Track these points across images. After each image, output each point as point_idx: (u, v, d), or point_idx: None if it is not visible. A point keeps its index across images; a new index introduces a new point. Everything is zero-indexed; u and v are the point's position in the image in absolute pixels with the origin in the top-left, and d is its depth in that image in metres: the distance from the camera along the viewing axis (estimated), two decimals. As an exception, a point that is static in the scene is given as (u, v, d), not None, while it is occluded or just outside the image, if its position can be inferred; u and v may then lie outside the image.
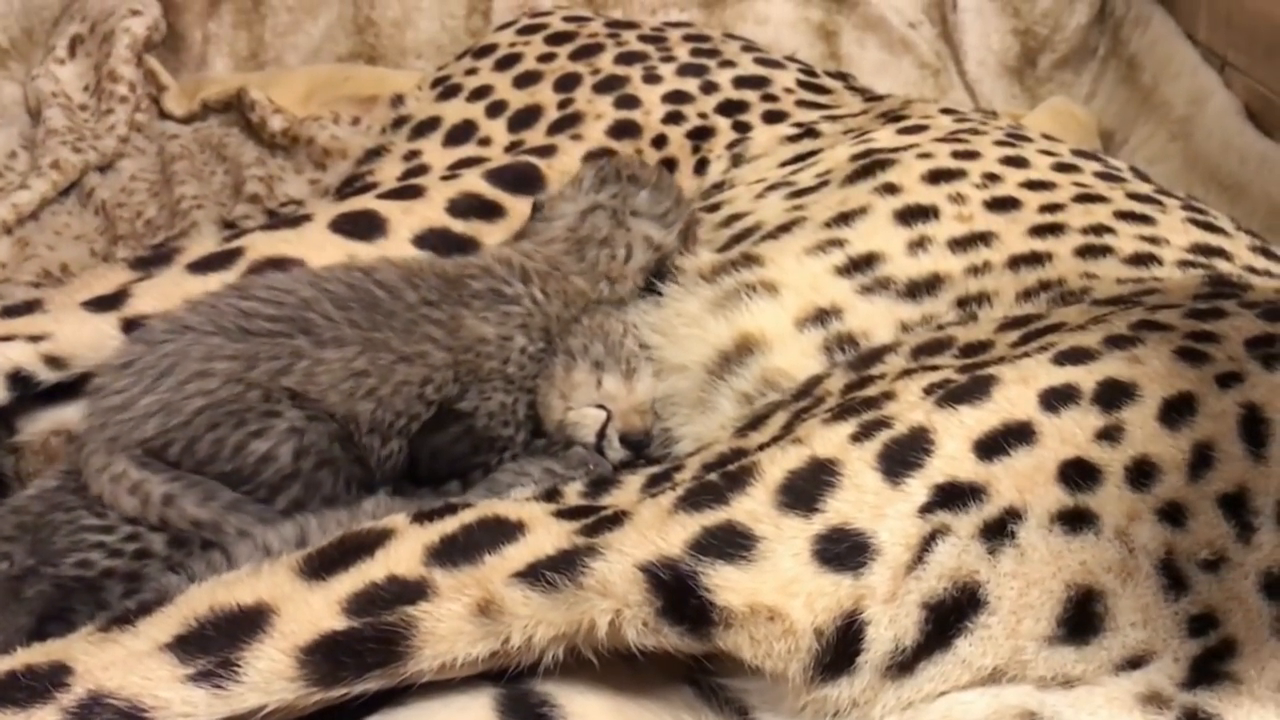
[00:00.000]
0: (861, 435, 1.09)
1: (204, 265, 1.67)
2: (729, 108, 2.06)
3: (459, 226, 1.79)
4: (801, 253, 1.56)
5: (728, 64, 2.14)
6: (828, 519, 1.03)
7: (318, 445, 1.39)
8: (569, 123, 2.03)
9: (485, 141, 2.05)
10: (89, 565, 1.30)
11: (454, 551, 1.07)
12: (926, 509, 1.02)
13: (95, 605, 1.25)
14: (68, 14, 2.80)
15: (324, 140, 2.55)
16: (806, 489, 1.05)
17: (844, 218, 1.60)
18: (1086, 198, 1.59)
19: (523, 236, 1.76)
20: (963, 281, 1.46)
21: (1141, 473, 1.02)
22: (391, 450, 1.47)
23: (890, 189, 1.64)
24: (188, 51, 2.91)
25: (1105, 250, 1.46)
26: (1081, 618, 0.98)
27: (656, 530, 1.04)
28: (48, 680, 0.99)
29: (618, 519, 1.09)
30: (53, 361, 1.58)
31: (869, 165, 1.72)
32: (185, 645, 1.01)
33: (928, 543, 1.01)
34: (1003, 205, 1.57)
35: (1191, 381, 1.07)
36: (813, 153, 1.88)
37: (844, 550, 1.01)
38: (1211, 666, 0.96)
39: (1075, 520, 1.00)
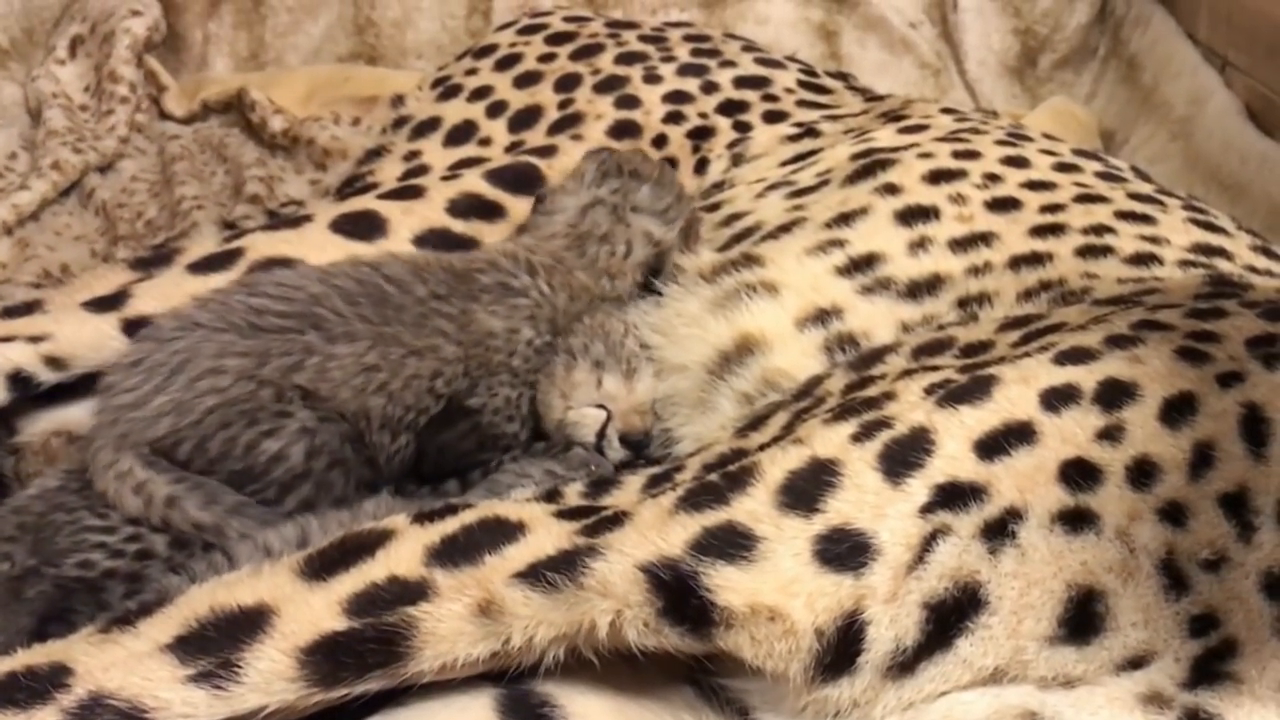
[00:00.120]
0: (862, 435, 1.09)
1: (204, 265, 1.67)
2: (729, 107, 2.05)
3: (459, 227, 1.79)
4: (802, 253, 1.56)
5: (728, 64, 2.14)
6: (828, 519, 1.03)
7: (329, 445, 1.39)
8: (569, 123, 2.03)
9: (485, 142, 2.05)
10: (90, 566, 1.30)
11: (454, 552, 1.07)
12: (927, 509, 1.02)
13: (96, 606, 1.25)
14: (68, 14, 2.80)
15: (324, 140, 2.55)
16: (807, 489, 1.05)
17: (844, 218, 1.60)
18: (1087, 198, 1.59)
19: (524, 230, 1.76)
20: (963, 282, 1.46)
21: (1142, 472, 1.02)
22: (400, 446, 1.47)
23: (891, 189, 1.64)
24: (188, 52, 2.91)
25: (1106, 250, 1.46)
26: (1082, 618, 0.98)
27: (657, 530, 1.04)
28: (48, 681, 0.98)
29: (618, 519, 1.09)
30: (53, 362, 1.58)
31: (869, 165, 1.72)
32: (186, 646, 1.01)
33: (928, 543, 1.01)
34: (1003, 205, 1.57)
35: (1192, 381, 1.07)
36: (813, 152, 1.88)
37: (845, 550, 1.01)
38: (1212, 666, 0.96)
39: (1076, 520, 1.00)
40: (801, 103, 2.09)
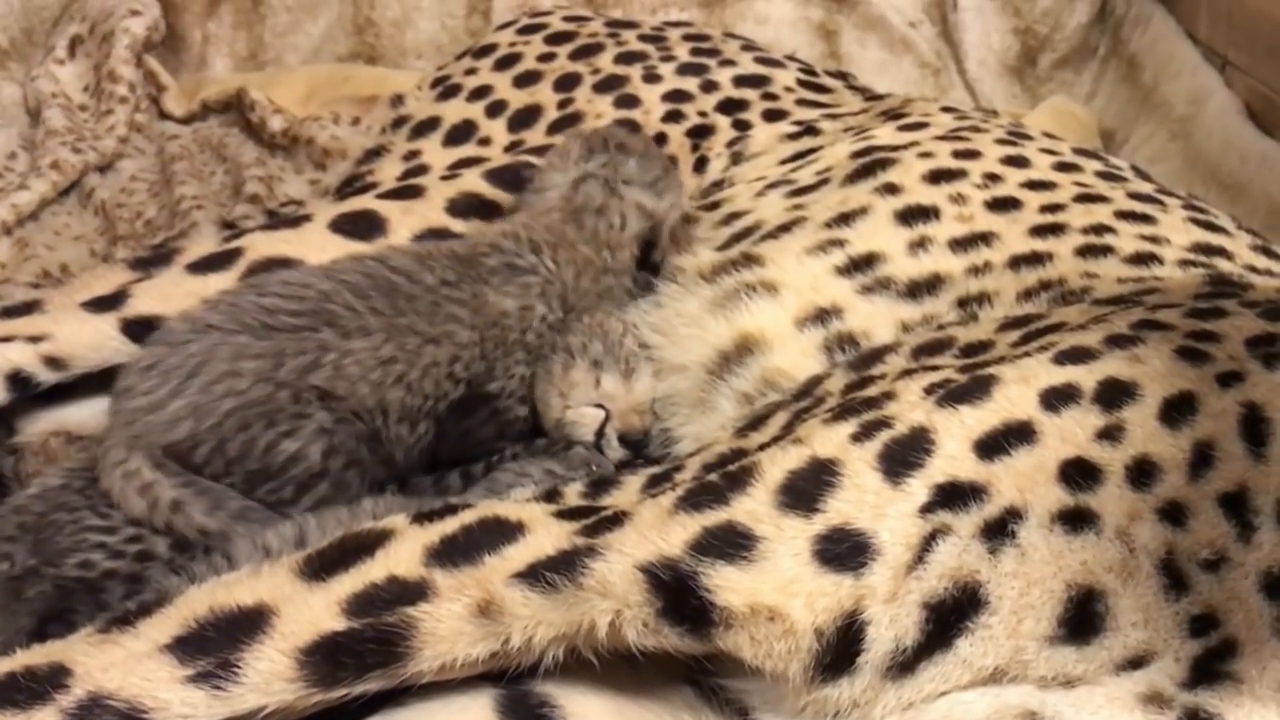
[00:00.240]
0: (862, 435, 1.09)
1: (204, 265, 1.67)
2: (729, 106, 2.05)
3: (459, 226, 1.79)
4: (802, 252, 1.56)
5: (728, 63, 2.13)
6: (828, 519, 1.03)
7: (346, 445, 1.40)
8: (569, 122, 2.03)
9: (485, 141, 2.05)
10: (91, 566, 1.30)
11: (454, 552, 1.07)
12: (927, 509, 1.02)
13: (96, 606, 1.25)
14: (67, 14, 2.80)
15: (324, 140, 2.55)
16: (807, 489, 1.05)
17: (844, 218, 1.60)
18: (1087, 197, 1.59)
19: (516, 211, 1.77)
20: (963, 281, 1.46)
21: (1142, 472, 1.02)
22: (420, 435, 1.48)
23: (891, 189, 1.63)
24: (187, 52, 2.91)
25: (1106, 250, 1.46)
26: (1082, 618, 0.98)
27: (657, 530, 1.04)
28: (47, 682, 0.98)
29: (618, 519, 1.08)
30: (52, 362, 1.58)
31: (870, 164, 1.71)
32: (185, 646, 1.01)
33: (928, 542, 1.01)
34: (1003, 205, 1.57)
35: (1192, 381, 1.07)
36: (813, 150, 1.88)
37: (844, 550, 1.01)
38: (1212, 666, 0.96)
39: (1076, 520, 1.00)
40: (801, 101, 2.08)
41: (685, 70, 2.10)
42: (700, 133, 2.02)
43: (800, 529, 1.02)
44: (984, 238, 1.51)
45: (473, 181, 1.86)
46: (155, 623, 1.03)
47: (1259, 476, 1.00)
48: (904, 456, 1.05)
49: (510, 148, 2.02)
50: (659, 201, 1.72)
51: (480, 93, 2.13)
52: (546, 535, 1.08)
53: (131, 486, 1.31)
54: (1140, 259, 1.44)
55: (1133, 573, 0.98)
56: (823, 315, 1.47)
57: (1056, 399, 1.07)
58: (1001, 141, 1.75)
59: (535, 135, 2.02)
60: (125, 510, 1.32)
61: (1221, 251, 1.48)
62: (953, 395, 1.10)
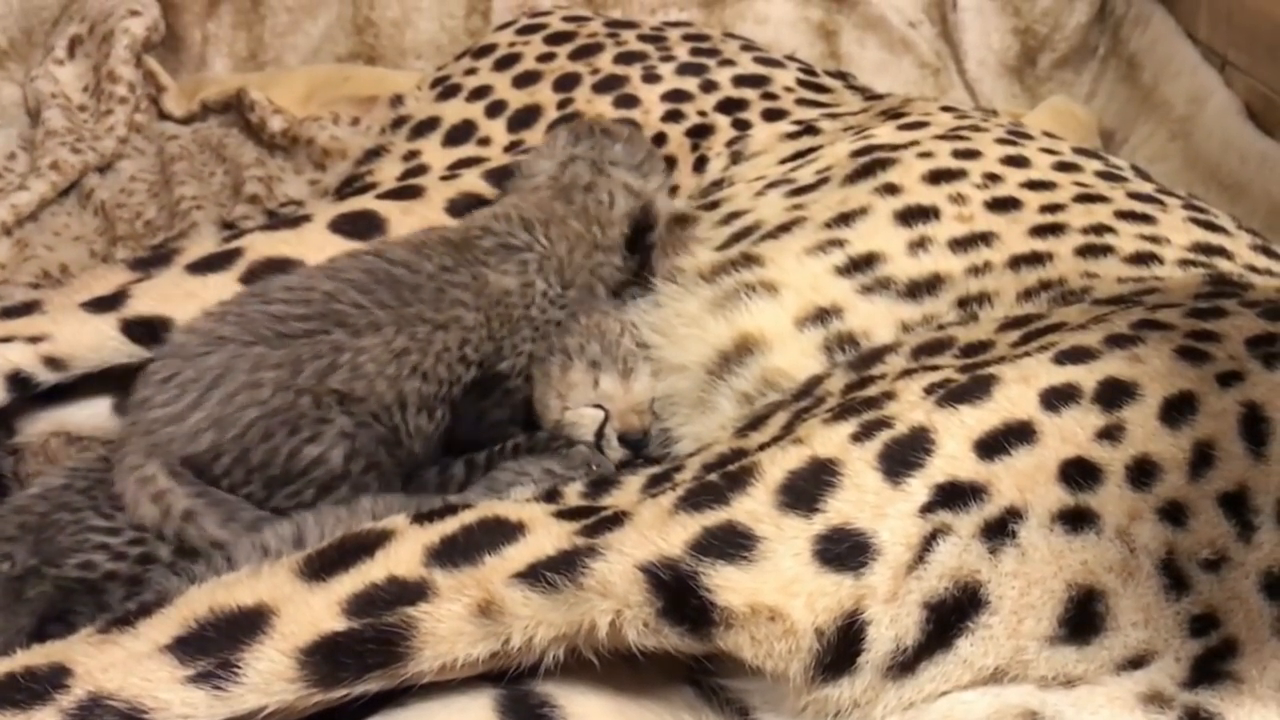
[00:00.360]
0: (862, 435, 1.09)
1: (203, 266, 1.67)
2: (728, 105, 2.05)
3: (458, 227, 1.79)
4: (801, 252, 1.56)
5: (727, 63, 2.13)
6: (828, 519, 1.03)
7: (366, 449, 1.41)
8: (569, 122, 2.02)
9: (485, 141, 2.05)
10: (92, 567, 1.30)
11: (454, 552, 1.07)
12: (927, 509, 1.02)
13: (96, 607, 1.25)
14: (67, 14, 2.79)
15: (323, 140, 2.55)
16: (807, 489, 1.05)
17: (844, 218, 1.60)
18: (1087, 197, 1.59)
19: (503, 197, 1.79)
20: (963, 281, 1.46)
21: (1142, 472, 1.02)
22: (438, 421, 1.50)
23: (891, 189, 1.63)
24: (187, 52, 2.91)
25: (1106, 250, 1.46)
26: (1083, 617, 0.98)
27: (657, 530, 1.04)
28: (47, 682, 0.98)
29: (618, 519, 1.08)
30: (52, 362, 1.58)
31: (869, 164, 1.71)
32: (185, 646, 1.01)
33: (929, 542, 1.00)
34: (1003, 205, 1.57)
35: (1192, 380, 1.07)
36: (813, 149, 1.88)
37: (845, 550, 1.01)
38: (1213, 666, 0.96)
39: (1076, 520, 1.00)
40: (801, 101, 2.08)
41: (685, 70, 2.10)
42: (700, 132, 2.02)
43: (800, 529, 1.02)
44: (984, 238, 1.51)
45: (472, 181, 1.86)
46: (155, 623, 1.03)
47: (1259, 476, 1.00)
48: (904, 456, 1.05)
49: (510, 148, 2.02)
50: (645, 182, 1.76)
51: (480, 93, 2.13)
52: (547, 535, 1.08)
53: (145, 493, 1.31)
54: (1140, 259, 1.44)
55: (1133, 572, 0.98)
56: (823, 315, 1.47)
57: (1057, 399, 1.07)
58: (1001, 141, 1.75)
59: (535, 135, 2.02)
60: (136, 516, 1.32)
61: (1221, 251, 1.48)
62: (953, 395, 1.10)
